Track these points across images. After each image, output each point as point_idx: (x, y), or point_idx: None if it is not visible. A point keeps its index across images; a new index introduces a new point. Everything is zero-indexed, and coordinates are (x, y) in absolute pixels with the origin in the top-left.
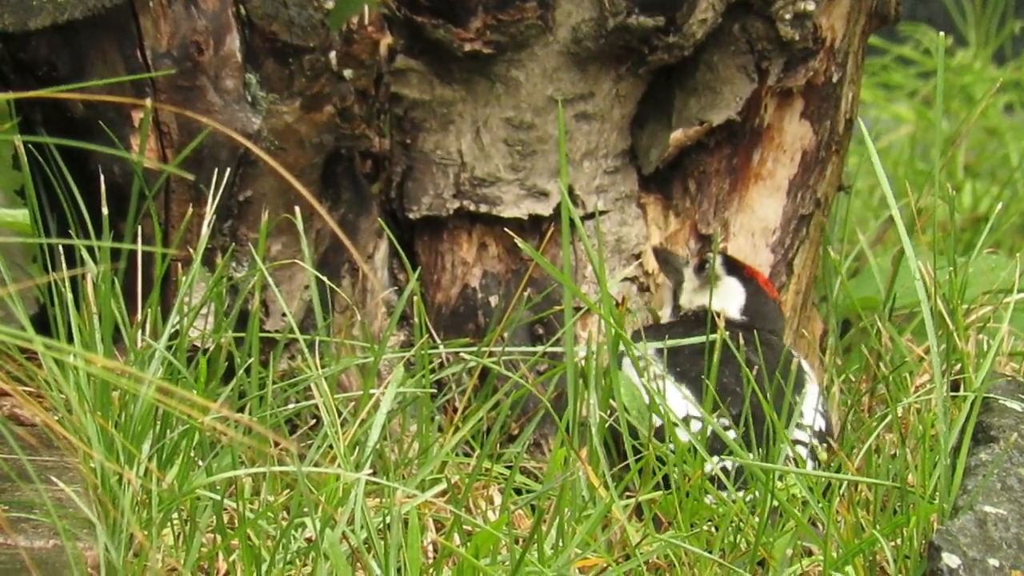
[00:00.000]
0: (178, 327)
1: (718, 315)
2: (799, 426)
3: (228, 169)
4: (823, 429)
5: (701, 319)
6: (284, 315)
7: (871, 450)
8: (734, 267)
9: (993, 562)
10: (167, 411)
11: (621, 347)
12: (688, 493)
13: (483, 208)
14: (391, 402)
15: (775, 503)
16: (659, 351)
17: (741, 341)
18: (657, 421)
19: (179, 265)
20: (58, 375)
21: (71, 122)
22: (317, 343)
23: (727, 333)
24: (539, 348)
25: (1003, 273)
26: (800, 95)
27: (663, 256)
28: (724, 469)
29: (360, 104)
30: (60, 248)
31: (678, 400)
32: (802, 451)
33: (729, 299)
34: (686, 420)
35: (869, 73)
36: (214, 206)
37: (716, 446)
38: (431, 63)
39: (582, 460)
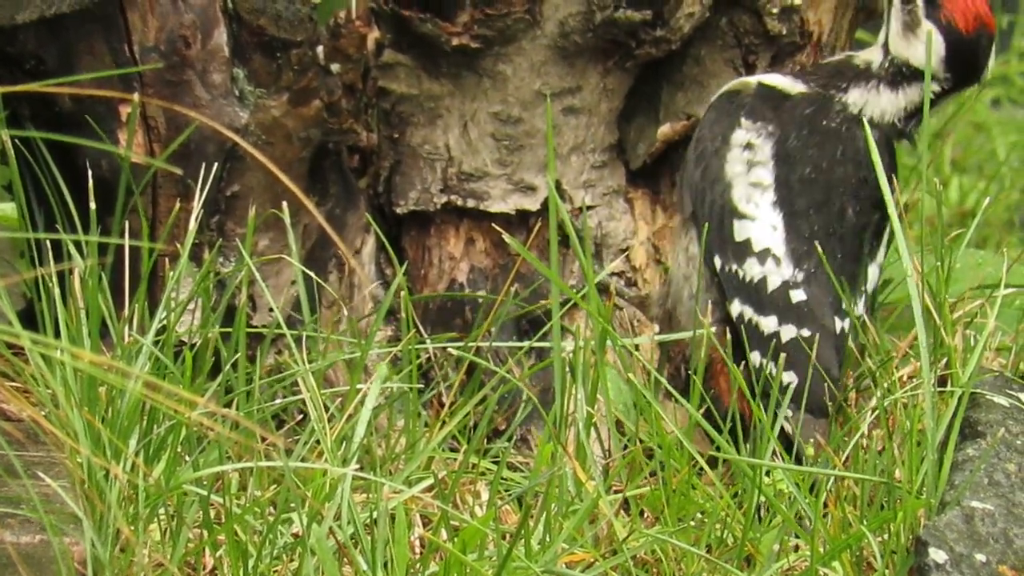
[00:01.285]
0: (165, 322)
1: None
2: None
3: (215, 164)
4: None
5: (897, 76)
6: (271, 310)
7: (858, 445)
8: (933, 6)
9: (980, 557)
10: (154, 406)
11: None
12: (675, 489)
13: (471, 203)
14: (378, 397)
15: (762, 498)
16: (771, 134)
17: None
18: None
19: (166, 260)
20: (45, 370)
21: (58, 116)
22: (304, 338)
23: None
24: (526, 343)
25: (990, 268)
26: None
27: None
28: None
29: (348, 98)
30: (47, 243)
31: (767, 226)
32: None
33: (929, 51)
34: (766, 253)
35: None
36: (201, 201)
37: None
38: (419, 57)
39: (569, 455)
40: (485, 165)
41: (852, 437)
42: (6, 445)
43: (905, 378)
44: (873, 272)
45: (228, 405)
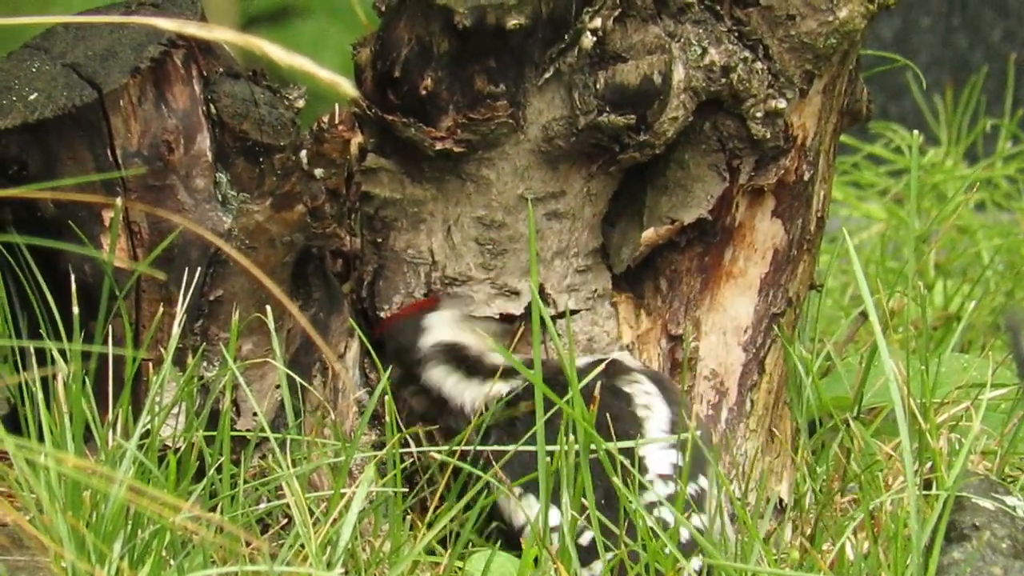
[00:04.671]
0: (149, 427)
1: None
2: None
3: (199, 268)
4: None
5: None
6: (255, 414)
7: (843, 549)
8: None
9: None
10: (138, 510)
11: None
12: None
13: None
14: (362, 501)
15: None
16: None
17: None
18: None
19: (150, 364)
20: (29, 475)
21: (41, 221)
22: (288, 442)
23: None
24: (510, 447)
25: (974, 372)
26: (771, 193)
27: None
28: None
29: (331, 203)
30: (31, 348)
31: None
32: (667, 514)
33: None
34: None
35: (840, 171)
36: (185, 305)
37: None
38: (402, 162)
39: (553, 557)
40: (469, 269)
41: (837, 541)
42: None
43: (890, 481)
44: (655, 459)
45: (213, 509)
